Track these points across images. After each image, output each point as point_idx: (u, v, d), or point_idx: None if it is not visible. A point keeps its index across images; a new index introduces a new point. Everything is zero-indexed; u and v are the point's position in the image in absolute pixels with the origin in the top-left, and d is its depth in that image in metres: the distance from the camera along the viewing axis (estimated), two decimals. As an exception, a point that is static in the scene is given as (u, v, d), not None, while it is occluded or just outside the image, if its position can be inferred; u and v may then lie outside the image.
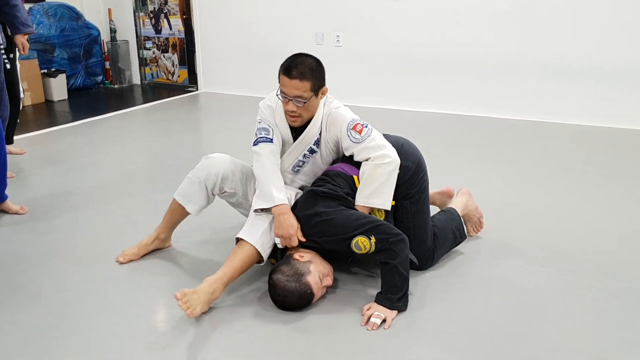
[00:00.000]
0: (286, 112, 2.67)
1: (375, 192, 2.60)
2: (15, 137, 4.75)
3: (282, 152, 2.82)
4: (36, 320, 2.41)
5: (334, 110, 2.73)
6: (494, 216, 3.38)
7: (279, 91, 2.64)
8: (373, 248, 2.42)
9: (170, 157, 4.69)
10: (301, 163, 2.84)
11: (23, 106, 6.68)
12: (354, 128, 2.66)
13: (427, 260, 2.80)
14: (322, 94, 2.67)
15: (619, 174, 4.21)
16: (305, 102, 2.58)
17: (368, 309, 2.43)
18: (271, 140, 2.72)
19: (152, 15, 7.85)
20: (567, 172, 4.23)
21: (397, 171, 2.63)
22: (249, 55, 7.18)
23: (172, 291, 2.64)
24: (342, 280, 2.73)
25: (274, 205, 2.59)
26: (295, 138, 2.79)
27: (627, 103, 5.47)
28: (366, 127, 2.67)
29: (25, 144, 4.98)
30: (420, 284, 2.70)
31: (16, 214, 3.48)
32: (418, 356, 2.19)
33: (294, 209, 2.63)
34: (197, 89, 7.71)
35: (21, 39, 4.24)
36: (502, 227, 3.30)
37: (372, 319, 2.37)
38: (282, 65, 2.60)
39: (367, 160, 2.63)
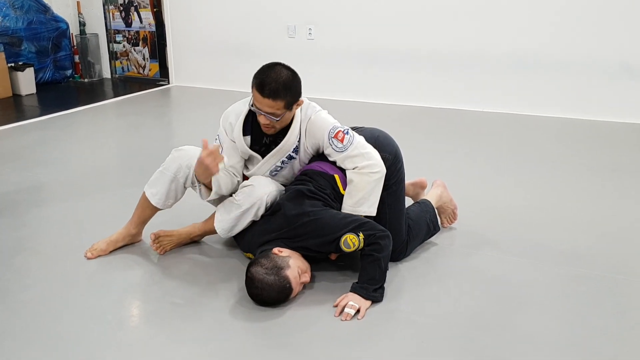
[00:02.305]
0: (259, 121, 2.60)
1: (362, 200, 2.59)
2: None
3: (255, 161, 2.77)
4: (1, 318, 2.36)
5: (313, 117, 2.67)
6: (467, 208, 3.39)
7: (252, 102, 2.58)
8: (362, 244, 2.44)
9: (140, 151, 4.63)
10: (279, 168, 2.79)
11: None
12: (335, 136, 2.61)
13: (400, 252, 2.79)
14: (297, 105, 2.62)
15: (592, 165, 4.24)
16: (278, 119, 2.54)
17: (342, 299, 2.42)
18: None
19: (122, 8, 7.74)
20: (541, 164, 4.26)
21: (383, 180, 2.63)
22: (221, 49, 7.12)
23: (142, 286, 2.62)
24: (318, 275, 2.70)
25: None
26: (262, 145, 2.73)
27: (601, 95, 5.53)
28: (347, 133, 2.63)
29: (-9, 139, 4.89)
30: (395, 274, 2.69)
31: (-18, 209, 3.41)
32: (393, 347, 2.18)
33: (277, 210, 2.62)
34: (168, 83, 7.62)
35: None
36: (476, 218, 3.31)
37: (346, 309, 2.36)
38: (255, 77, 2.52)
39: (353, 169, 2.61)
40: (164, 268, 2.77)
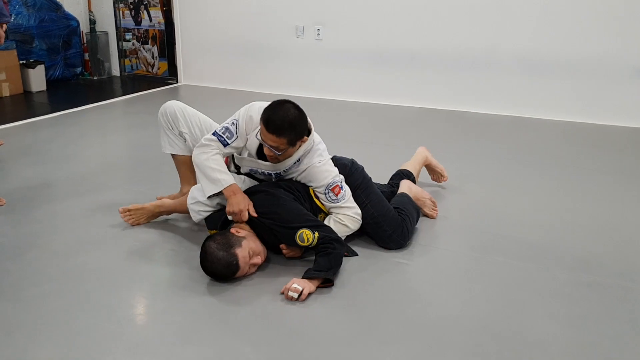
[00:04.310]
0: (265, 151, 2.78)
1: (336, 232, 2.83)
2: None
3: (246, 154, 3.00)
4: (13, 314, 2.39)
5: (320, 166, 2.88)
6: (477, 211, 3.42)
7: (258, 133, 2.76)
8: (315, 242, 2.64)
9: (149, 149, 4.66)
10: (256, 173, 3.04)
11: (1, 97, 6.61)
12: (332, 190, 2.88)
13: (402, 233, 2.97)
14: (301, 142, 2.79)
15: (603, 170, 4.23)
16: (281, 153, 2.73)
17: (288, 283, 2.54)
18: (225, 145, 2.87)
19: (132, 6, 7.79)
20: (551, 168, 4.25)
21: (353, 231, 2.95)
22: (230, 49, 7.15)
23: (153, 284, 2.65)
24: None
25: (223, 188, 2.79)
26: (260, 157, 2.92)
27: (612, 99, 5.52)
28: (342, 188, 2.90)
29: (3, 135, 4.92)
30: (403, 278, 2.72)
31: (-6, 205, 3.45)
32: (398, 350, 2.20)
33: (253, 190, 2.86)
34: (177, 82, 7.66)
35: (-2, 29, 4.18)
36: (485, 222, 3.32)
37: (289, 292, 2.48)
38: (264, 111, 2.69)
39: (343, 215, 2.91)
40: (176, 265, 2.80)
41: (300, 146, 2.80)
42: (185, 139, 3.28)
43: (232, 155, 3.08)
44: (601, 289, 2.62)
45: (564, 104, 5.68)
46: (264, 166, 2.92)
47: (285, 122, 2.63)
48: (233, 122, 2.87)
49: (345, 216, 2.90)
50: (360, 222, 2.94)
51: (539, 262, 2.86)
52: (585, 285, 2.66)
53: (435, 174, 3.78)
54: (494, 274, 2.76)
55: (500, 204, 3.60)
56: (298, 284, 2.50)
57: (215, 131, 2.89)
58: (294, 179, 2.96)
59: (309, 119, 2.81)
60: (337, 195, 2.88)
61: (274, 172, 2.94)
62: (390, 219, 2.96)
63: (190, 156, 3.24)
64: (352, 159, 3.16)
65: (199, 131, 3.22)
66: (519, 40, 5.71)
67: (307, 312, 2.43)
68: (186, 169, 3.38)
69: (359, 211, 2.94)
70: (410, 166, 3.60)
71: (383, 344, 2.23)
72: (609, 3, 5.31)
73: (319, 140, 2.97)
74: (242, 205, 2.72)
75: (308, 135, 2.82)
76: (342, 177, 2.94)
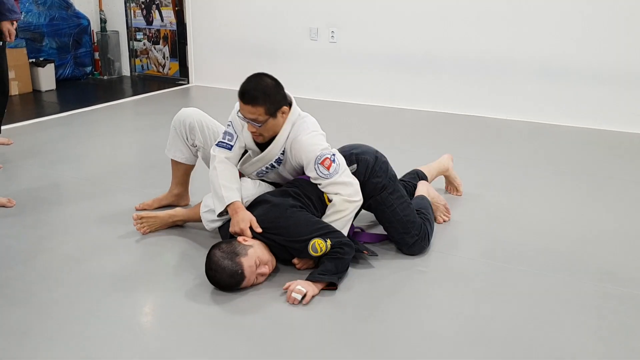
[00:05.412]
0: (248, 129, 2.74)
1: (337, 222, 2.71)
2: (2, 127, 4.63)
3: (248, 159, 2.92)
4: (25, 320, 2.32)
5: (302, 137, 2.74)
6: (498, 221, 3.35)
7: (237, 111, 2.72)
8: (328, 250, 2.56)
9: (160, 151, 4.56)
10: (264, 172, 2.94)
11: (10, 96, 6.55)
12: (322, 163, 2.70)
13: (427, 238, 2.92)
14: (282, 113, 2.73)
15: (626, 178, 4.13)
16: (261, 125, 2.66)
17: (291, 284, 2.49)
18: (230, 148, 2.84)
19: (143, 6, 7.73)
20: (573, 176, 4.15)
21: (357, 208, 2.79)
22: (242, 50, 7.07)
23: (167, 291, 2.57)
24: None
25: (226, 205, 2.72)
26: (260, 148, 2.85)
27: (619, 105, 5.43)
28: (334, 161, 2.71)
29: (12, 134, 4.86)
30: (425, 290, 2.65)
31: (3, 206, 3.38)
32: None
33: (259, 201, 2.78)
34: (188, 82, 7.59)
35: (7, 26, 4.14)
36: (508, 232, 3.22)
37: (293, 294, 2.42)
38: (240, 86, 2.68)
39: (336, 194, 2.72)
40: (190, 271, 2.73)
41: (283, 118, 2.74)
42: (197, 150, 3.23)
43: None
44: (630, 302, 2.53)
45: (584, 110, 5.57)
46: (263, 159, 2.84)
47: (259, 90, 2.62)
48: (229, 124, 2.88)
49: (337, 196, 2.70)
50: (356, 204, 2.74)
51: (564, 273, 2.77)
52: (613, 297, 2.57)
53: (451, 186, 3.69)
54: (518, 284, 2.68)
55: (519, 211, 3.52)
56: (302, 286, 2.44)
57: (218, 141, 2.88)
58: (290, 165, 2.87)
59: (288, 93, 2.78)
60: (328, 168, 2.69)
61: (275, 160, 2.83)
62: (418, 224, 2.88)
63: (192, 166, 3.35)
64: (376, 151, 2.97)
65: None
66: (537, 45, 5.62)
67: (321, 325, 2.35)
68: (183, 173, 3.36)
69: (357, 189, 2.74)
70: (427, 170, 3.50)
71: (402, 355, 2.16)
72: (628, 9, 5.22)
73: (306, 114, 2.86)
74: (243, 225, 2.63)
75: (289, 108, 2.76)
76: (335, 150, 2.78)
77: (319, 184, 2.75)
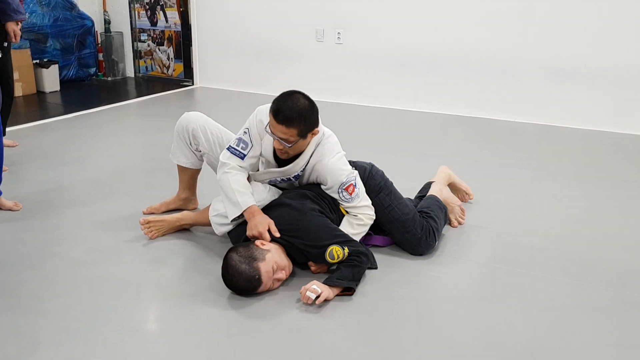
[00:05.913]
0: (274, 145, 2.69)
1: (357, 236, 2.77)
2: (7, 129, 4.60)
3: (258, 165, 2.90)
4: (35, 327, 2.28)
5: (328, 162, 2.75)
6: (513, 225, 3.30)
7: (267, 126, 2.65)
8: (345, 257, 2.55)
9: (165, 154, 4.51)
10: (277, 182, 2.92)
11: (14, 97, 6.51)
12: (346, 189, 2.74)
13: (432, 235, 2.90)
14: (312, 134, 2.69)
15: (626, 180, 4.09)
16: (291, 145, 2.61)
17: (308, 285, 2.46)
18: (243, 157, 2.78)
19: (147, 7, 7.69)
20: (587, 180, 4.09)
21: (369, 225, 2.85)
22: (247, 51, 7.03)
23: (176, 296, 2.53)
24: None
25: (242, 210, 2.68)
26: (276, 159, 2.82)
27: (630, 107, 5.38)
28: (356, 186, 2.76)
29: (16, 136, 4.82)
30: (443, 296, 2.60)
31: (10, 210, 3.34)
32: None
33: (276, 204, 2.77)
34: (192, 84, 7.55)
35: (13, 27, 4.12)
36: (524, 236, 3.17)
37: (307, 292, 2.41)
38: (273, 102, 2.61)
39: (356, 215, 2.80)
40: (199, 276, 2.68)
41: (311, 139, 2.71)
42: (202, 155, 3.18)
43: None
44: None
45: (593, 113, 5.52)
46: (281, 173, 2.82)
47: (295, 111, 2.55)
48: (245, 131, 2.80)
49: (363, 215, 2.80)
50: (373, 220, 2.85)
51: (580, 278, 2.73)
52: (632, 304, 2.52)
53: (460, 192, 3.59)
54: (533, 289, 2.64)
55: (530, 215, 3.47)
56: (317, 286, 2.42)
57: (229, 146, 2.81)
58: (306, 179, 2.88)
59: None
60: (351, 194, 2.75)
61: (293, 176, 2.84)
62: (419, 222, 2.90)
63: (198, 169, 3.31)
64: (371, 163, 3.04)
65: (220, 149, 3.04)
66: (545, 46, 5.57)
67: (336, 331, 2.31)
68: (189, 177, 3.33)
69: (372, 208, 2.85)
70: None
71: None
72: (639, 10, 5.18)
73: (330, 133, 2.85)
74: (262, 228, 2.60)
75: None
76: (356, 172, 2.81)
77: (340, 204, 2.81)
